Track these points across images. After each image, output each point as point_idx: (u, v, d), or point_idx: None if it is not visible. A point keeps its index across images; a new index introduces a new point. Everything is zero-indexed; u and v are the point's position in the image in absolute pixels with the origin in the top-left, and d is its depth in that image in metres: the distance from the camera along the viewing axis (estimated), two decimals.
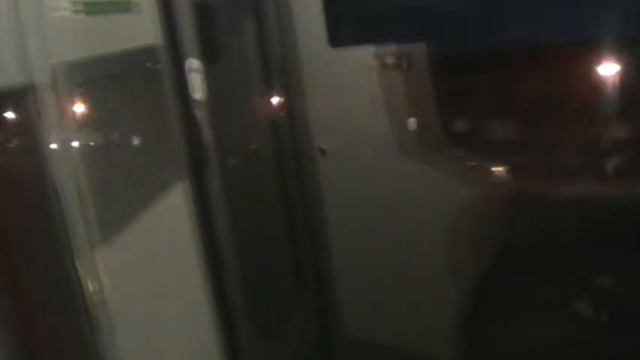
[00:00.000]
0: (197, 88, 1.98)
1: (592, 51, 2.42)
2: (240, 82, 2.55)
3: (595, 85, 2.47)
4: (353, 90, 2.67)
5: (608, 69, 2.45)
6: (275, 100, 2.69)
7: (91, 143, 1.45)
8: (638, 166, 2.54)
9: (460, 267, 2.77)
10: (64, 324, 1.37)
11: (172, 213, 1.85)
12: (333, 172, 2.83)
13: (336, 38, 2.62)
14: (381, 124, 2.67)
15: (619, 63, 2.44)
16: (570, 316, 2.55)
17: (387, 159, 2.70)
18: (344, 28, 2.60)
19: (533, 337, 2.51)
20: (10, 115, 1.26)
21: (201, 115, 1.98)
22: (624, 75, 2.44)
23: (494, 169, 2.75)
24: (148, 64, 1.79)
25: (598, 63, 2.45)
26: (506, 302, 2.66)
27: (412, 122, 2.69)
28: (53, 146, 1.33)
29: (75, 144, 1.39)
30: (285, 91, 2.69)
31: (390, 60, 2.59)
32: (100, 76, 1.51)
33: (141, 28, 1.74)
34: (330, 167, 2.83)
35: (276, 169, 2.74)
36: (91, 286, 1.37)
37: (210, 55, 2.04)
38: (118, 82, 1.59)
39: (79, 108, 1.42)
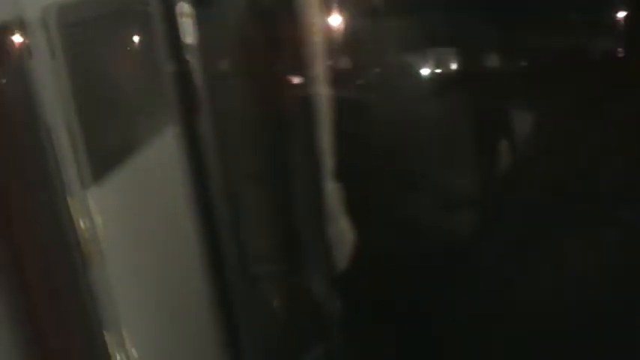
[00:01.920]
0: (188, 32, 1.98)
1: None
2: (232, 26, 2.54)
3: None
4: None
5: None
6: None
7: (82, 84, 1.45)
8: None
9: None
10: (56, 260, 1.40)
11: (164, 156, 1.87)
12: None
13: None
14: None
15: None
16: None
17: None
18: None
19: None
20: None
21: (192, 59, 1.98)
22: None
23: None
24: (139, 7, 1.79)
25: None
26: None
27: None
28: (44, 86, 1.34)
29: (66, 84, 1.40)
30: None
31: None
32: (91, 18, 1.51)
33: None
34: None
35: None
36: (82, 224, 1.39)
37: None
38: (108, 23, 1.59)
39: (70, 48, 1.42)
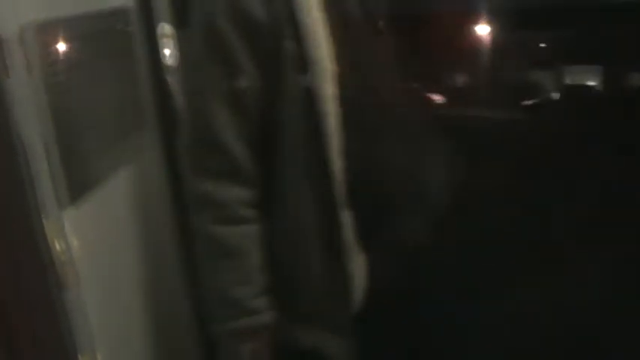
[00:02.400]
0: (169, 53, 1.98)
1: None
2: None
3: None
4: None
5: None
6: None
7: (60, 104, 1.44)
8: None
9: None
10: (31, 282, 1.37)
11: (143, 177, 1.85)
12: None
13: None
14: None
15: None
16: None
17: None
18: None
19: None
20: None
21: (172, 80, 1.97)
22: None
23: None
24: (120, 27, 1.78)
25: None
26: None
27: None
28: (21, 104, 1.32)
29: (43, 103, 1.38)
30: None
31: None
32: (70, 37, 1.49)
33: None
34: None
35: None
36: (58, 246, 1.37)
37: (182, 21, 2.02)
38: (88, 43, 1.58)
39: (48, 67, 1.41)
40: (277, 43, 1.49)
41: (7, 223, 1.34)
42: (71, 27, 1.50)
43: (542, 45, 2.64)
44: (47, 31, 1.42)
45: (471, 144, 1.97)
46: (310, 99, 1.50)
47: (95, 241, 1.51)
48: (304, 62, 1.49)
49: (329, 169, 1.52)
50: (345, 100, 1.52)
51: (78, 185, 1.47)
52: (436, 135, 1.73)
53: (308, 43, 1.49)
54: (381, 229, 1.62)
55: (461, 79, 2.68)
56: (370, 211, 1.59)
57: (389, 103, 1.62)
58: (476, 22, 2.53)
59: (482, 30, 2.55)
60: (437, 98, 2.54)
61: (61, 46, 1.47)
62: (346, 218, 1.56)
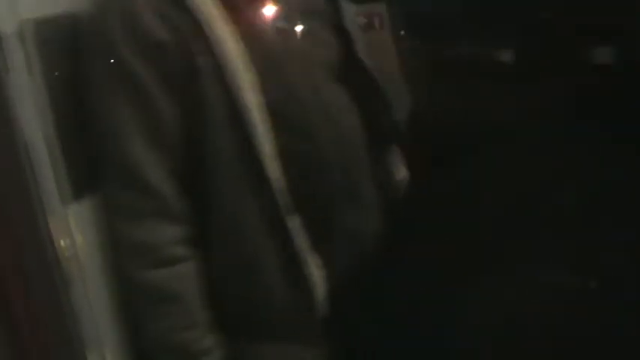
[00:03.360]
0: None
1: None
2: None
3: None
4: None
5: None
6: None
7: (61, 100, 1.43)
8: None
9: None
10: (37, 279, 1.36)
11: None
12: None
13: None
14: None
15: None
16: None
17: None
18: None
19: None
20: None
21: None
22: None
23: None
24: None
25: None
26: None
27: None
28: (21, 100, 1.32)
29: (44, 100, 1.38)
30: None
31: (361, 20, 2.58)
32: (70, 34, 1.49)
33: None
34: None
35: None
36: (63, 242, 1.37)
37: None
38: None
39: (49, 63, 1.40)
40: (188, 62, 1.42)
41: (11, 220, 1.34)
42: (71, 23, 1.49)
43: None
44: (47, 27, 1.41)
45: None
46: (235, 111, 1.44)
47: (99, 237, 1.51)
48: (222, 75, 1.43)
49: (267, 177, 1.46)
50: (270, 105, 1.47)
51: (81, 181, 1.46)
52: (368, 126, 1.66)
53: (222, 56, 1.43)
54: (329, 227, 1.58)
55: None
56: (316, 211, 1.54)
57: (315, 102, 1.56)
58: None
59: None
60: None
61: (62, 42, 1.46)
62: (294, 223, 1.50)
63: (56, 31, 1.44)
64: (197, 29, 1.43)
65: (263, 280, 1.50)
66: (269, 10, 1.55)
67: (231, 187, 1.47)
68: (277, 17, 1.55)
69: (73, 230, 1.40)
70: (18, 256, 1.33)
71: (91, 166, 1.49)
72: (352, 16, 1.78)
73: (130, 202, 1.44)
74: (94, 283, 1.44)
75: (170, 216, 1.44)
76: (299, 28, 1.59)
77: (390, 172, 1.78)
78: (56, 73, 1.42)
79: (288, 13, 1.58)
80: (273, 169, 1.47)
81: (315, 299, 1.53)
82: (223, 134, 1.45)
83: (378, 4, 2.63)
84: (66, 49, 1.46)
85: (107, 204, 1.47)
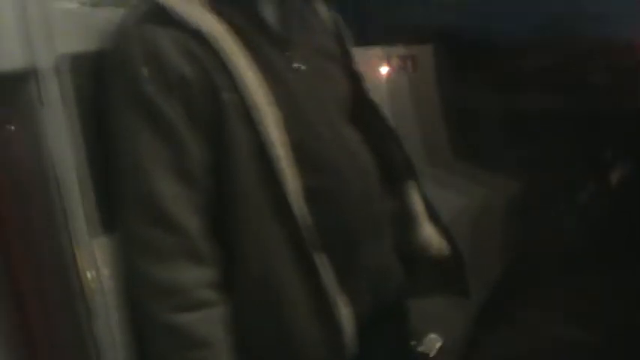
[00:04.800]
0: None
1: None
2: None
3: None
4: None
5: None
6: None
7: (93, 134, 1.45)
8: None
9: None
10: (61, 310, 1.38)
11: None
12: None
13: None
14: None
15: None
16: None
17: None
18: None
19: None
20: (12, 99, 1.28)
21: None
22: None
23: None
24: None
25: None
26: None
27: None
28: (55, 134, 1.34)
29: (77, 133, 1.40)
30: None
31: (394, 62, 2.59)
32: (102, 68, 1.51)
33: None
34: None
35: None
36: (89, 275, 1.38)
37: None
38: None
39: (83, 99, 1.43)
40: (213, 98, 1.42)
41: (38, 251, 1.36)
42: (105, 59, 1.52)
43: None
44: (82, 62, 1.44)
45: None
46: (260, 147, 1.43)
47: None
48: (246, 111, 1.42)
49: (293, 214, 1.44)
50: (293, 142, 1.46)
51: (109, 214, 1.47)
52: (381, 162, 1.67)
53: (246, 91, 1.42)
54: (354, 263, 1.56)
55: None
56: (341, 247, 1.52)
57: (334, 138, 1.57)
58: None
59: None
60: None
61: (96, 78, 1.48)
62: (322, 260, 1.47)
63: (91, 67, 1.47)
64: (220, 65, 1.43)
65: (292, 321, 1.46)
66: (286, 50, 1.56)
67: (257, 225, 1.45)
68: (293, 57, 1.56)
69: (99, 263, 1.41)
70: (43, 287, 1.35)
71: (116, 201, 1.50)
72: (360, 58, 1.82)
73: (156, 240, 1.39)
74: (118, 316, 1.44)
75: (197, 257, 1.40)
76: (314, 67, 1.60)
77: (407, 206, 1.77)
78: (89, 108, 1.44)
79: (303, 53, 1.59)
80: (299, 205, 1.46)
81: (344, 338, 1.50)
82: (249, 170, 1.44)
83: (412, 47, 2.65)
84: (100, 84, 1.49)
85: (129, 242, 1.42)
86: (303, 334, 1.47)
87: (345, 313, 1.51)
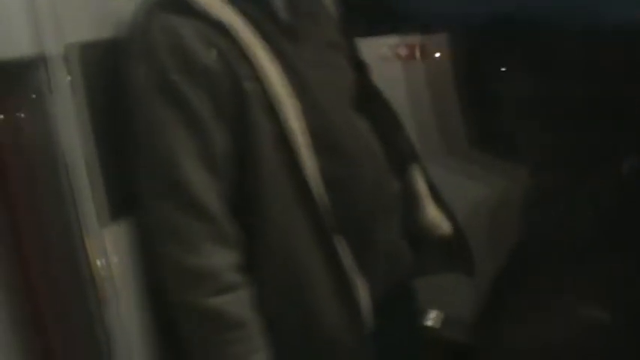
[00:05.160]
0: None
1: None
2: None
3: None
4: None
5: None
6: None
7: (103, 122, 1.45)
8: None
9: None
10: (71, 298, 1.38)
11: None
12: None
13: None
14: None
15: None
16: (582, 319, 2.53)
17: None
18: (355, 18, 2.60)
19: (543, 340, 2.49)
20: (21, 87, 1.29)
21: None
22: None
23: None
24: None
25: None
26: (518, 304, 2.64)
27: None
28: (64, 122, 1.34)
29: (86, 121, 1.40)
30: None
31: (402, 50, 2.58)
32: (113, 59, 1.51)
33: None
34: None
35: None
36: (99, 262, 1.38)
37: None
38: None
39: (91, 87, 1.43)
40: (235, 86, 1.45)
41: (48, 238, 1.36)
42: (115, 48, 1.52)
43: None
44: (91, 51, 1.44)
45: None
46: (281, 135, 1.47)
47: (135, 258, 1.52)
48: (267, 99, 1.46)
49: (313, 198, 1.48)
50: (311, 129, 1.50)
51: (119, 203, 1.48)
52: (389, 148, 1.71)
53: (266, 80, 1.46)
54: (371, 245, 1.61)
55: None
56: (358, 230, 1.57)
57: (348, 125, 1.61)
58: None
59: None
60: None
61: (105, 67, 1.49)
62: (340, 243, 1.52)
63: (100, 56, 1.47)
64: (241, 55, 1.46)
65: (313, 302, 1.51)
66: (296, 40, 1.58)
67: (278, 210, 1.49)
68: (304, 47, 1.59)
69: (109, 251, 1.41)
70: (54, 275, 1.36)
71: (130, 189, 1.51)
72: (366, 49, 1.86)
73: (185, 226, 1.42)
74: (127, 303, 1.44)
75: (225, 241, 1.44)
76: (323, 58, 1.64)
77: (412, 189, 1.80)
78: (100, 97, 1.45)
79: (312, 44, 1.63)
80: (318, 190, 1.50)
81: (362, 316, 1.55)
82: (270, 158, 1.48)
83: (425, 36, 2.64)
84: (109, 73, 1.49)
85: (158, 229, 1.46)
86: (323, 314, 1.52)
87: (362, 292, 1.56)
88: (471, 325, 2.69)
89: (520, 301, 2.59)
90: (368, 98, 1.74)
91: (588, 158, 2.67)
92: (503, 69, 2.85)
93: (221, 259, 1.43)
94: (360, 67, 1.79)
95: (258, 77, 1.46)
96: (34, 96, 1.31)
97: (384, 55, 2.59)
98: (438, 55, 2.63)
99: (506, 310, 2.65)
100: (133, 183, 1.48)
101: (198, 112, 1.42)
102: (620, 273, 2.43)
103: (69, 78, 1.36)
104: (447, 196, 1.86)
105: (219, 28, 1.46)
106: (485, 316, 2.63)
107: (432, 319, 2.35)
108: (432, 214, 1.82)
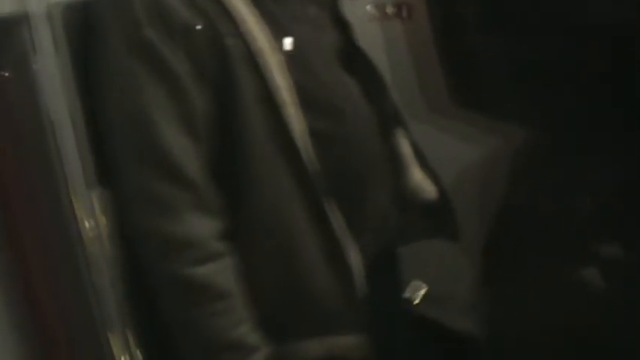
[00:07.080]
0: None
1: None
2: None
3: None
4: None
5: None
6: None
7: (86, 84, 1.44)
8: None
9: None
10: (60, 259, 1.38)
11: None
12: None
13: None
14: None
15: None
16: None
17: None
18: None
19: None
20: (4, 45, 1.27)
21: None
22: None
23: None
24: None
25: None
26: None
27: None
28: (48, 81, 1.33)
29: (71, 81, 1.38)
30: None
31: (389, 9, 2.55)
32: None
33: None
34: None
35: None
36: (87, 223, 1.37)
37: None
38: None
39: (75, 47, 1.41)
40: (216, 43, 1.39)
41: (36, 200, 1.36)
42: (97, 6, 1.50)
43: None
44: (74, 10, 1.41)
45: None
46: (265, 92, 1.42)
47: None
48: (250, 56, 1.41)
49: (301, 159, 1.44)
50: (297, 86, 1.46)
51: (106, 165, 1.46)
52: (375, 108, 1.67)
53: (249, 36, 1.41)
54: (361, 208, 1.56)
55: None
56: (348, 192, 1.52)
57: (336, 82, 1.57)
58: None
59: None
60: None
61: (88, 27, 1.46)
62: (331, 206, 1.48)
63: (83, 16, 1.44)
64: (222, 11, 1.41)
65: (304, 268, 1.47)
66: None
67: (265, 173, 1.44)
68: (289, 5, 1.55)
69: (97, 212, 1.40)
70: (42, 236, 1.35)
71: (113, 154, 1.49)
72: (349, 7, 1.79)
73: (165, 194, 1.36)
74: (116, 265, 1.44)
75: (207, 208, 1.38)
76: (309, 16, 1.60)
77: (397, 152, 1.76)
78: (81, 56, 1.42)
79: (298, 1, 1.59)
80: (307, 150, 1.46)
81: (354, 282, 1.51)
82: (255, 117, 1.42)
83: None
84: (92, 33, 1.47)
85: (137, 198, 1.39)
86: (315, 280, 1.47)
87: (354, 257, 1.52)
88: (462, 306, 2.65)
89: (513, 275, 2.58)
90: (352, 57, 1.68)
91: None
92: (489, 25, 2.83)
93: (204, 227, 1.38)
94: (343, 25, 1.73)
95: (239, 33, 1.41)
96: (18, 55, 1.30)
97: (370, 13, 2.56)
98: (424, 13, 2.61)
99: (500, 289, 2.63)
100: (108, 148, 1.42)
101: (175, 70, 1.36)
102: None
103: (53, 37, 1.33)
104: (432, 157, 1.82)
105: None
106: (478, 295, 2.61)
107: (411, 291, 2.26)
108: (417, 177, 1.78)
